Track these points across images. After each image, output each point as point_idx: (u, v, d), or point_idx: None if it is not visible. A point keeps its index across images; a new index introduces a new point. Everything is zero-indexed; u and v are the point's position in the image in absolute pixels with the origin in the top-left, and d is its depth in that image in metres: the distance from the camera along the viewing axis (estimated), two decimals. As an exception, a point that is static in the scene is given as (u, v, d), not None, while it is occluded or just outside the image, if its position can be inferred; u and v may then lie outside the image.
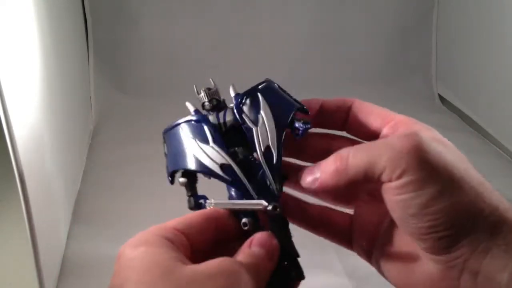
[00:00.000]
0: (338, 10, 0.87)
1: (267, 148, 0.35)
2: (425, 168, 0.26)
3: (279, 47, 0.86)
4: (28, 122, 0.36)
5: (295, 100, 0.39)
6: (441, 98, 0.86)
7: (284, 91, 0.39)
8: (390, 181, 0.26)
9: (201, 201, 0.33)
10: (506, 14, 0.68)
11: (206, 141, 0.34)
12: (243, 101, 0.35)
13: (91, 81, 0.79)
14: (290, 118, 0.34)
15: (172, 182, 0.34)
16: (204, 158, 0.34)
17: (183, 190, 0.57)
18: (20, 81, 0.36)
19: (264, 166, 0.34)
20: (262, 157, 0.34)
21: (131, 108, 0.78)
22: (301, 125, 0.34)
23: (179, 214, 0.54)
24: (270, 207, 0.31)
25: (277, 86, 0.39)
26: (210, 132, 0.33)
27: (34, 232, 0.34)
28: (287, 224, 0.32)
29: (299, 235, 0.46)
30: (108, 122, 0.74)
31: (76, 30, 0.70)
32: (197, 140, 0.33)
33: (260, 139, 0.34)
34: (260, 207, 0.31)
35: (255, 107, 0.35)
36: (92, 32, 0.80)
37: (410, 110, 0.87)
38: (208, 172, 0.36)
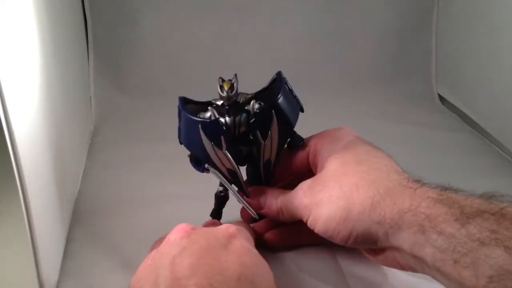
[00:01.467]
0: (338, 10, 0.87)
1: (268, 160, 0.42)
2: (305, 214, 0.38)
3: (279, 47, 0.86)
4: (28, 122, 0.36)
5: (296, 99, 0.44)
6: (441, 98, 0.86)
7: (291, 90, 0.43)
8: None
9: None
10: (506, 14, 0.68)
11: (220, 147, 0.39)
12: (259, 121, 0.40)
13: (91, 81, 0.79)
14: (289, 138, 0.43)
15: (181, 143, 0.42)
16: (216, 159, 0.40)
17: (183, 190, 0.58)
18: (20, 81, 0.36)
19: (262, 174, 0.42)
20: (263, 168, 0.42)
21: (131, 108, 0.78)
22: (295, 143, 0.43)
23: (179, 214, 0.55)
24: None
25: (287, 88, 0.43)
26: (225, 141, 0.39)
27: (34, 232, 0.34)
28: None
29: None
30: (108, 122, 0.74)
31: (76, 30, 0.70)
32: (213, 143, 0.39)
33: (265, 153, 0.41)
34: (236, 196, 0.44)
35: (267, 125, 0.41)
36: (92, 32, 0.80)
37: (410, 110, 0.87)
38: (214, 171, 0.41)
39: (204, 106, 0.41)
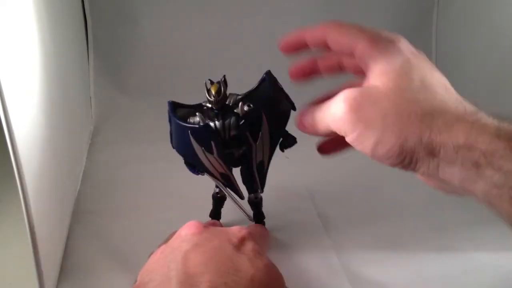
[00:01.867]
0: (338, 11, 0.87)
1: (261, 162, 0.41)
2: (357, 128, 0.34)
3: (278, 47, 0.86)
4: (28, 122, 0.36)
5: (287, 98, 0.44)
6: (441, 98, 0.86)
7: (281, 89, 0.43)
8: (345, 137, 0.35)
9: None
10: (506, 14, 0.68)
11: (211, 152, 0.39)
12: (248, 123, 0.39)
13: (91, 81, 0.79)
14: (282, 136, 0.42)
15: (173, 147, 0.42)
16: (208, 164, 0.40)
17: (182, 190, 0.58)
18: (20, 81, 0.36)
19: (255, 176, 0.42)
20: (255, 169, 0.41)
21: (131, 108, 0.78)
22: (288, 143, 0.43)
23: (179, 214, 0.55)
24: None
25: (277, 87, 0.42)
26: (216, 146, 0.38)
27: (34, 232, 0.34)
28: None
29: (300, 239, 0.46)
30: (108, 122, 0.74)
31: (76, 30, 0.70)
32: (203, 148, 0.39)
33: (257, 155, 0.41)
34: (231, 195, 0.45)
35: (257, 126, 0.40)
36: (92, 32, 0.80)
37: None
38: (208, 174, 0.40)
39: (194, 110, 0.41)
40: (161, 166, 0.61)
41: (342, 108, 0.34)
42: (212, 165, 0.40)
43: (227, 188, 0.44)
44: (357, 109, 0.34)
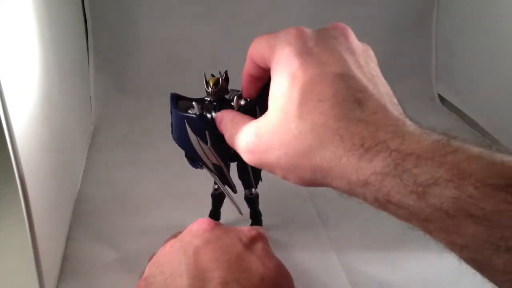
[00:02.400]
0: (337, 10, 0.87)
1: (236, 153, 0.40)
2: (263, 166, 0.34)
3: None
4: (28, 122, 0.36)
5: None
6: (441, 98, 0.86)
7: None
8: None
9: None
10: (506, 14, 0.68)
11: (205, 141, 0.39)
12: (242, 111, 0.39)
13: (91, 81, 0.79)
14: None
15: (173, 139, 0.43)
16: (202, 154, 0.40)
17: (182, 191, 0.58)
18: (20, 81, 0.36)
19: (249, 171, 0.43)
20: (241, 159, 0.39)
21: (131, 108, 0.78)
22: None
23: (178, 214, 0.55)
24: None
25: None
26: (210, 136, 0.39)
27: (34, 232, 0.34)
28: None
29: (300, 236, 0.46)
30: (108, 122, 0.74)
31: (76, 30, 0.70)
32: (198, 138, 0.39)
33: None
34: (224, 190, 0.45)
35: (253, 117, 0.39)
36: (92, 32, 0.80)
37: (410, 110, 0.87)
38: (202, 164, 0.42)
39: (196, 101, 0.41)
40: (161, 166, 0.61)
41: (244, 150, 0.35)
42: (206, 155, 0.41)
43: (221, 181, 0.44)
44: (254, 153, 0.34)
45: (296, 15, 0.86)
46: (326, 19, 0.93)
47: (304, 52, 0.32)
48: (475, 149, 0.27)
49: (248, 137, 0.34)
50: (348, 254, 0.46)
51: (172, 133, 0.43)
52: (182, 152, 0.46)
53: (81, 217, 0.51)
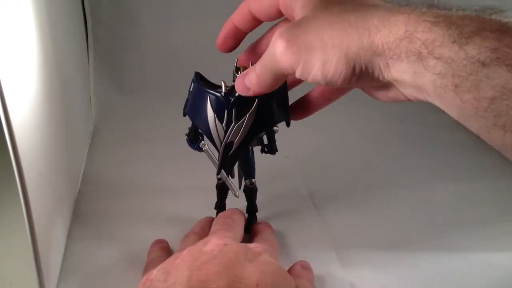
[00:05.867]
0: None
1: (231, 143, 0.43)
2: (301, 56, 0.33)
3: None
4: (28, 123, 0.36)
5: (287, 112, 0.46)
6: (441, 98, 0.86)
7: (287, 98, 0.45)
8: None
9: (200, 137, 0.46)
10: (506, 14, 0.68)
11: (221, 120, 0.42)
12: (241, 99, 0.42)
13: (91, 81, 0.79)
14: (264, 132, 0.45)
15: (184, 115, 0.45)
16: (214, 132, 0.43)
17: (183, 190, 0.58)
18: (20, 81, 0.36)
19: (220, 155, 0.44)
20: (222, 148, 0.43)
21: (131, 108, 0.78)
22: (269, 149, 0.46)
23: (179, 213, 0.55)
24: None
25: (284, 94, 0.44)
26: (227, 116, 0.42)
27: (34, 232, 0.34)
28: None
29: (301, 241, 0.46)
30: (108, 122, 0.74)
31: (76, 30, 0.70)
32: (215, 116, 0.42)
33: (231, 134, 0.43)
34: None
35: (247, 107, 0.42)
36: (92, 32, 0.80)
37: (411, 110, 0.87)
38: (210, 140, 0.44)
39: (214, 86, 0.44)
40: (161, 165, 0.61)
41: (280, 44, 0.34)
42: (218, 132, 0.43)
43: (221, 162, 0.46)
44: (294, 39, 0.34)
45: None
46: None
47: None
48: None
49: (284, 32, 0.34)
50: (349, 253, 0.46)
51: (185, 108, 0.46)
52: (183, 152, 0.47)
53: (81, 217, 0.51)
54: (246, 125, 0.43)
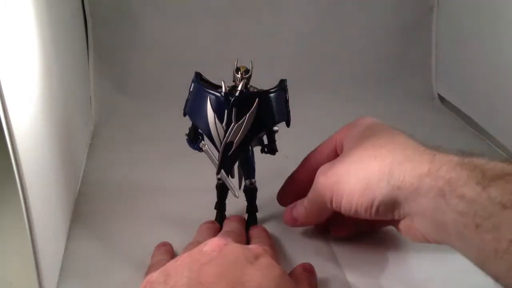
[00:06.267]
0: (338, 10, 0.87)
1: (230, 143, 0.43)
2: (331, 188, 0.39)
3: (278, 47, 0.86)
4: (28, 122, 0.36)
5: (287, 112, 0.46)
6: (441, 98, 0.86)
7: (287, 101, 0.45)
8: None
9: (200, 137, 0.46)
10: (506, 14, 0.68)
11: (221, 120, 0.42)
12: (241, 99, 0.42)
13: (91, 81, 0.79)
14: (264, 132, 0.45)
15: (184, 115, 0.45)
16: (214, 131, 0.43)
17: (183, 190, 0.58)
18: (20, 81, 0.36)
19: (219, 154, 0.44)
20: (222, 147, 0.43)
21: (131, 108, 0.78)
22: (269, 149, 0.46)
23: (179, 214, 0.55)
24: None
25: (285, 96, 0.45)
26: (227, 116, 0.42)
27: (34, 232, 0.34)
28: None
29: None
30: (108, 122, 0.74)
31: (76, 30, 0.70)
32: (215, 116, 0.42)
33: (231, 134, 0.43)
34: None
35: (247, 107, 0.42)
36: (92, 32, 0.80)
37: (410, 110, 0.87)
38: (210, 140, 0.43)
39: (214, 86, 0.44)
40: (161, 166, 0.61)
41: (319, 180, 0.40)
42: (218, 132, 0.43)
43: (220, 162, 0.45)
44: (329, 174, 0.39)
45: (297, 15, 0.86)
46: (327, 20, 0.94)
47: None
48: None
49: (323, 168, 0.40)
50: (349, 254, 0.46)
51: (185, 108, 0.45)
52: (183, 152, 0.46)
53: (81, 217, 0.51)
54: (246, 125, 0.43)
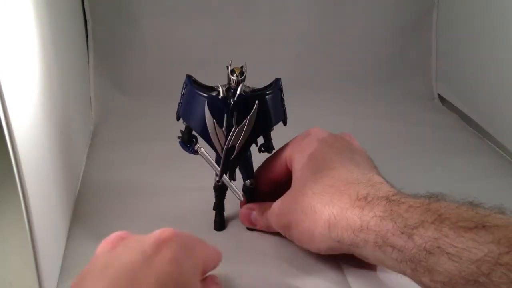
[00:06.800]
0: (337, 10, 0.87)
1: (232, 147, 0.43)
2: (284, 232, 0.45)
3: (278, 47, 0.86)
4: (28, 122, 0.36)
5: (284, 111, 0.46)
6: (441, 98, 0.86)
7: (282, 100, 0.45)
8: None
9: (194, 140, 0.45)
10: (506, 14, 0.68)
11: (221, 125, 0.42)
12: (241, 103, 0.41)
13: (91, 81, 0.79)
14: (265, 133, 0.45)
15: (178, 119, 0.45)
16: (214, 136, 0.42)
17: (182, 189, 0.58)
18: (20, 81, 0.36)
19: (222, 160, 0.44)
20: (225, 152, 0.43)
21: (131, 108, 0.78)
22: (265, 148, 0.46)
23: (179, 214, 0.55)
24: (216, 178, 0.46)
25: (280, 95, 0.45)
26: (226, 121, 0.41)
27: (34, 232, 0.34)
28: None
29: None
30: (108, 122, 0.74)
31: (76, 30, 0.70)
32: (215, 121, 0.41)
33: (232, 138, 0.42)
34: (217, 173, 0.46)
35: (247, 111, 0.42)
36: (92, 32, 0.80)
37: (410, 110, 0.87)
38: (210, 145, 0.43)
39: (208, 88, 0.43)
40: (161, 166, 0.61)
41: (271, 218, 0.45)
42: (218, 137, 0.43)
43: (223, 166, 0.45)
44: (279, 215, 0.44)
45: (297, 14, 0.86)
46: (327, 19, 0.93)
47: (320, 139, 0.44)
48: (454, 202, 0.34)
49: (275, 209, 0.44)
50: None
51: (179, 112, 0.45)
52: (182, 152, 0.46)
53: (81, 217, 0.51)
54: (247, 128, 0.42)
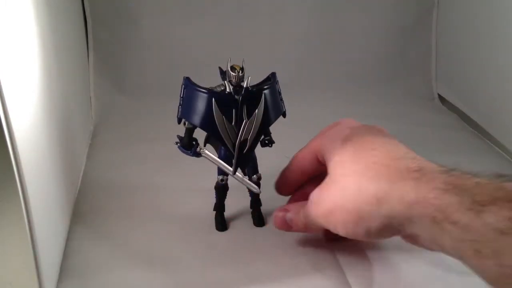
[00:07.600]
0: (337, 10, 0.87)
1: (245, 140, 0.43)
2: (327, 219, 0.39)
3: (278, 47, 0.86)
4: (28, 122, 0.36)
5: (282, 103, 0.47)
6: (441, 98, 0.86)
7: (279, 93, 0.46)
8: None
9: (194, 143, 0.45)
10: (506, 14, 0.68)
11: (230, 120, 0.42)
12: (249, 96, 0.42)
13: (91, 81, 0.79)
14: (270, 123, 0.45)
15: (179, 122, 0.44)
16: (224, 132, 0.43)
17: (182, 189, 0.58)
18: (20, 81, 0.36)
19: (235, 155, 0.44)
20: (238, 148, 0.43)
21: (131, 108, 0.78)
22: (267, 141, 0.46)
23: (179, 214, 0.55)
24: (221, 177, 0.46)
25: (277, 88, 0.46)
26: (235, 115, 0.42)
27: (34, 232, 0.34)
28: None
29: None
30: (108, 122, 0.74)
31: (76, 30, 0.70)
32: (225, 117, 0.42)
33: (244, 131, 0.43)
34: (229, 171, 0.45)
35: (255, 103, 0.43)
36: (92, 32, 0.80)
37: (410, 110, 0.87)
38: (221, 142, 0.43)
39: (205, 88, 0.43)
40: (161, 166, 0.61)
41: (310, 207, 0.41)
42: (228, 133, 0.43)
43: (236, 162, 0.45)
44: (319, 203, 0.40)
45: (297, 14, 0.86)
46: (327, 19, 0.93)
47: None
48: None
49: (314, 197, 0.40)
50: (349, 252, 0.46)
51: (180, 115, 0.44)
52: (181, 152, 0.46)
53: (81, 217, 0.51)
54: (257, 120, 0.43)
